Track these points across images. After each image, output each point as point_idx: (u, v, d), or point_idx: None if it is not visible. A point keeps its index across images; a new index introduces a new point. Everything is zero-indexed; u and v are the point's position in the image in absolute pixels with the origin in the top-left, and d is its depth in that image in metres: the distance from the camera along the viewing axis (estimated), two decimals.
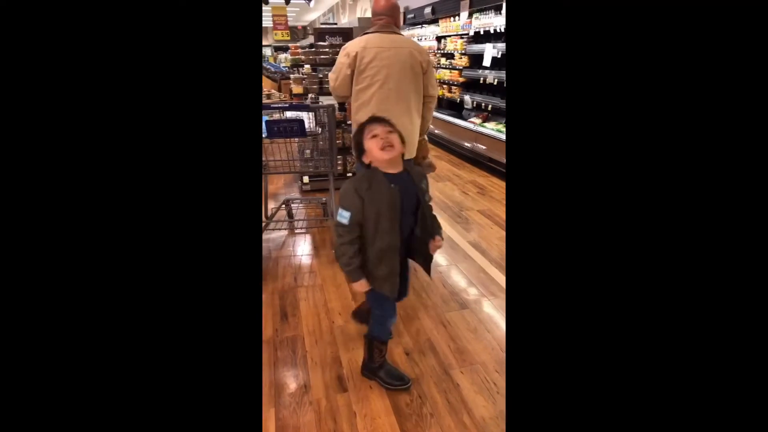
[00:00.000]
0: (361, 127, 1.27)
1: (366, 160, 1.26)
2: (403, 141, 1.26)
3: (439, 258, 2.44)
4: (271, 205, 2.91)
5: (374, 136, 1.22)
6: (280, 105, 2.36)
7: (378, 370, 1.50)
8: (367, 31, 1.97)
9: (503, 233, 2.75)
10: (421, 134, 2.10)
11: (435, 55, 5.67)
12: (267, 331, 1.80)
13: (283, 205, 2.88)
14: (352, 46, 1.92)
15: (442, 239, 1.36)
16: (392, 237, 1.24)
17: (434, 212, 1.36)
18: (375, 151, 1.21)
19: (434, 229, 1.33)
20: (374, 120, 1.26)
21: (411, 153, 2.02)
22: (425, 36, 6.04)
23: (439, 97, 5.75)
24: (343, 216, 1.22)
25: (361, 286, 1.27)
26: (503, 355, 1.64)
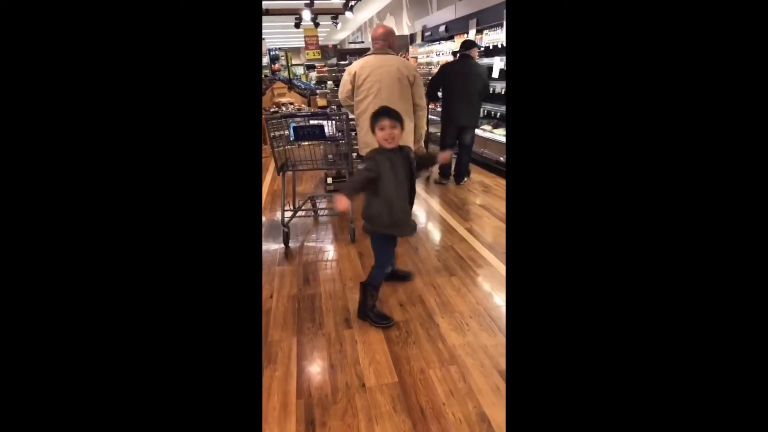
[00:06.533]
0: (375, 115, 1.70)
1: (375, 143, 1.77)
2: (402, 129, 1.72)
3: (438, 239, 2.86)
4: (300, 200, 3.42)
5: (382, 129, 1.68)
6: (304, 114, 2.88)
7: (370, 311, 1.95)
8: (367, 53, 2.54)
9: (498, 223, 3.13)
10: (417, 141, 2.64)
11: None
12: (292, 290, 2.28)
13: (309, 200, 3.39)
14: (352, 67, 2.53)
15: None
16: (393, 188, 1.70)
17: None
18: (380, 139, 1.69)
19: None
20: (384, 113, 1.68)
21: (407, 141, 2.56)
22: (442, 51, 6.51)
23: None
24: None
25: (342, 200, 1.55)
26: (480, 308, 2.04)
